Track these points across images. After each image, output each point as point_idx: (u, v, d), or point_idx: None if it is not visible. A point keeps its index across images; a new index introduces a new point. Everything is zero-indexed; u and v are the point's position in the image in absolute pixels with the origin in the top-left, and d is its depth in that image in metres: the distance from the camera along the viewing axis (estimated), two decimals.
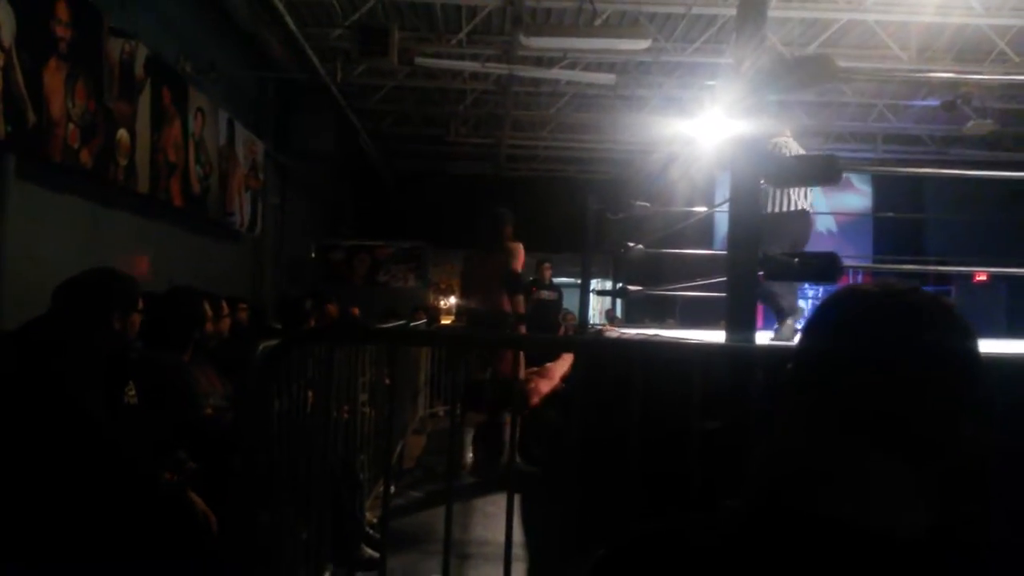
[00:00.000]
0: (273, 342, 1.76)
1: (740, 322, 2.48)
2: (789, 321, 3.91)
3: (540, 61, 8.50)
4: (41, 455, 2.14)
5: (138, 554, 2.10)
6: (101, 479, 2.16)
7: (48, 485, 2.10)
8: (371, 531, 3.39)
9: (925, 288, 0.78)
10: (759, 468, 0.74)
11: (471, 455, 4.99)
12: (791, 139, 4.24)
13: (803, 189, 4.17)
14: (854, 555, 0.65)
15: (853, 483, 0.69)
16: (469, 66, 8.29)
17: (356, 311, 7.68)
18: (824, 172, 3.12)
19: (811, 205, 4.28)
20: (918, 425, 0.70)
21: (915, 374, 0.71)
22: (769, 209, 4.05)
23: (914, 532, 0.67)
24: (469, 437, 5.05)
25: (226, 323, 3.91)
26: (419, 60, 7.88)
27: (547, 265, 8.88)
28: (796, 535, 0.67)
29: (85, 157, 4.60)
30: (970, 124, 8.23)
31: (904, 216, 10.97)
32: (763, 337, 3.16)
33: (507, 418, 4.80)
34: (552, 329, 8.24)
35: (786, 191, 4.12)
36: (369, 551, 3.18)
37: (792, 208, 4.13)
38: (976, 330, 0.76)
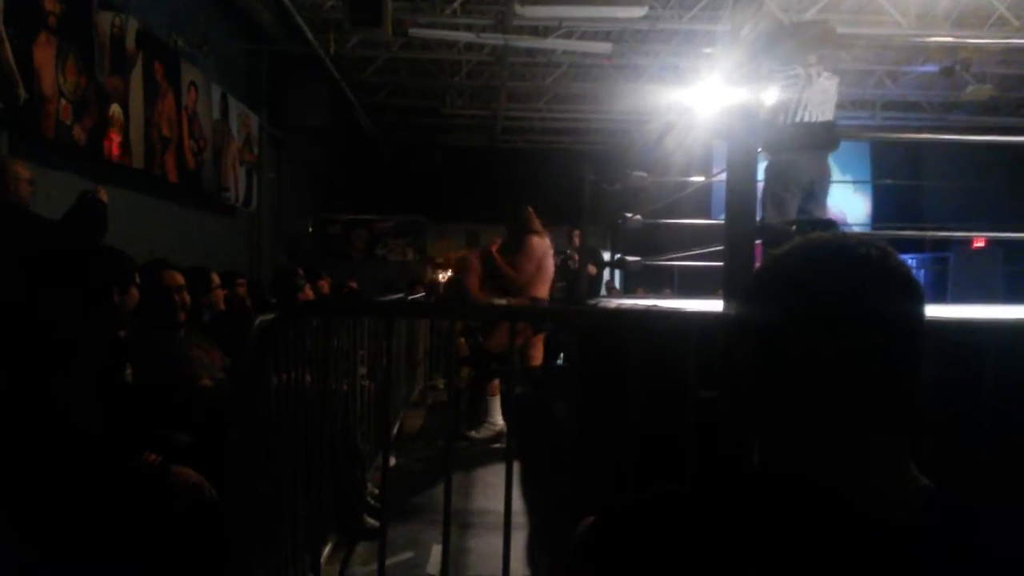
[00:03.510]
0: (270, 316, 1.76)
1: (737, 290, 2.48)
2: None
3: (535, 31, 8.41)
4: (19, 445, 2.15)
5: (116, 540, 2.11)
6: (74, 468, 2.17)
7: (23, 475, 2.11)
8: (372, 501, 3.42)
9: (921, 256, 0.75)
10: (746, 438, 0.74)
11: (501, 421, 5.05)
12: (817, 67, 4.05)
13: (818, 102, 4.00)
14: (842, 527, 0.65)
15: (829, 455, 0.69)
16: (464, 36, 8.20)
17: (354, 285, 7.67)
18: (822, 139, 3.11)
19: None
20: (880, 392, 0.70)
21: (872, 343, 0.69)
22: (782, 120, 3.95)
23: (896, 504, 0.67)
24: (496, 405, 5.10)
25: (219, 295, 3.91)
26: (413, 31, 7.79)
27: (577, 232, 8.64)
28: (782, 504, 0.68)
29: (78, 133, 4.57)
30: (969, 89, 8.17)
31: (902, 183, 10.93)
32: None
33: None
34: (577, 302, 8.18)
35: (803, 105, 3.96)
36: (370, 521, 3.21)
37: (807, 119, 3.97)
38: (922, 291, 0.74)
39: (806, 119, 3.99)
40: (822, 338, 0.70)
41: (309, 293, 5.05)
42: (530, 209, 5.18)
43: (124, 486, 2.25)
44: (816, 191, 4.13)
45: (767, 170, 4.17)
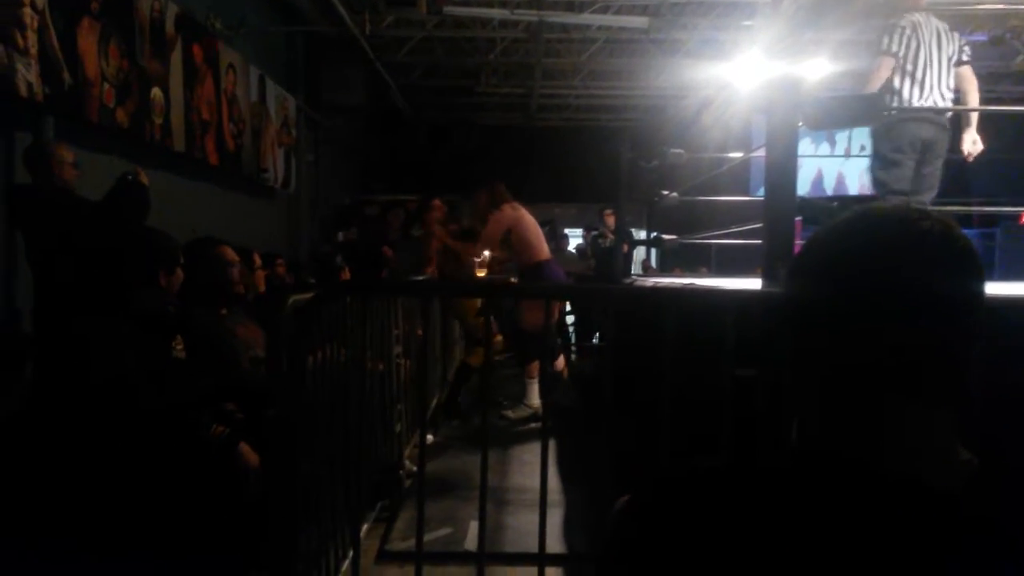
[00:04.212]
0: (304, 296, 1.79)
1: (776, 269, 2.45)
2: None
3: (571, 6, 8.31)
4: (87, 420, 2.22)
5: (185, 508, 2.17)
6: (144, 440, 2.24)
7: (93, 447, 2.18)
8: (409, 479, 3.47)
9: (968, 231, 0.74)
10: (784, 414, 0.74)
11: (538, 402, 5.07)
12: (923, 15, 3.82)
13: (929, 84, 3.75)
14: (880, 499, 0.65)
15: (871, 429, 0.68)
16: (498, 13, 8.14)
17: (389, 252, 7.69)
18: (868, 112, 3.03)
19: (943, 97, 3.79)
20: (930, 370, 0.68)
21: (926, 319, 0.67)
22: (895, 103, 3.74)
23: (940, 478, 0.66)
24: (534, 387, 5.09)
25: (260, 275, 3.97)
26: (447, 9, 7.75)
27: (608, 212, 8.42)
28: (820, 479, 0.67)
29: (121, 116, 4.65)
30: (1020, 59, 7.90)
31: (949, 157, 10.62)
32: None
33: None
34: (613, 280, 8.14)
35: (911, 81, 3.71)
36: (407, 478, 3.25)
37: (905, 106, 3.72)
38: (983, 267, 0.72)
39: (931, 71, 3.73)
40: (874, 313, 0.68)
41: (347, 274, 5.09)
42: (488, 188, 5.22)
43: (194, 457, 2.31)
44: (932, 155, 3.85)
45: (874, 131, 3.94)
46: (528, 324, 4.86)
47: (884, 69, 3.74)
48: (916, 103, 3.74)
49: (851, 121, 3.55)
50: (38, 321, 3.46)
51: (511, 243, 5.12)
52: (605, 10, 8.29)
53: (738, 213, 5.29)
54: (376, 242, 6.88)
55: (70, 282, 3.12)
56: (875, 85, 3.76)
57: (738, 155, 7.19)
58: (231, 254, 3.12)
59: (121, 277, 2.79)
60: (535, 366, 5.03)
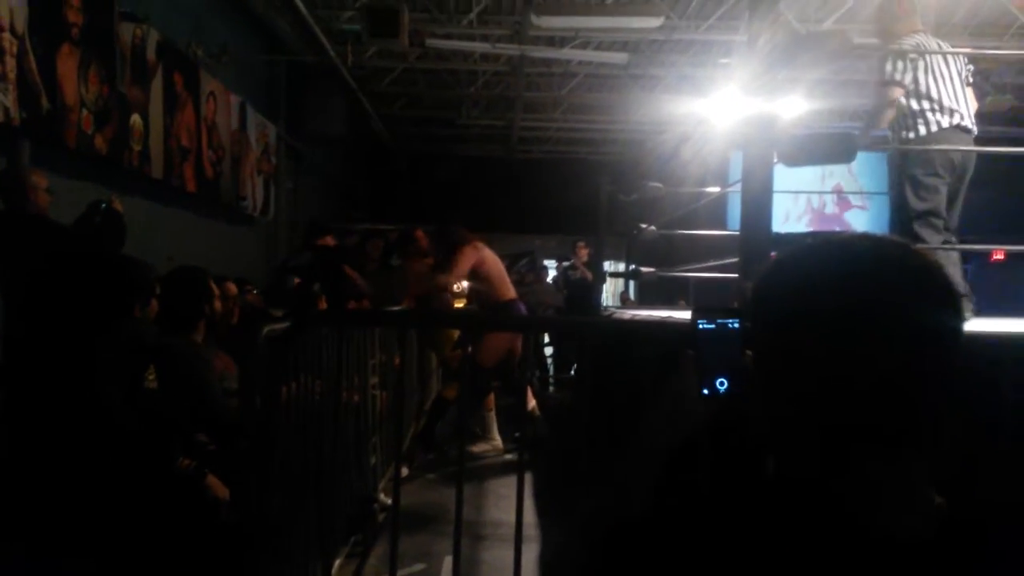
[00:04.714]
0: (278, 326, 1.77)
1: (740, 292, 2.47)
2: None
3: (551, 41, 8.43)
4: (59, 445, 2.17)
5: (153, 541, 2.13)
6: (116, 468, 2.19)
7: (64, 474, 2.13)
8: (383, 513, 3.42)
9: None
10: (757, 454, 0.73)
11: (497, 435, 5.13)
12: (922, 35, 3.60)
13: (943, 100, 3.50)
14: (846, 542, 0.64)
15: (836, 471, 0.66)
16: (480, 47, 8.23)
17: (351, 271, 7.63)
18: (841, 150, 3.08)
19: (966, 121, 3.54)
20: (897, 407, 0.64)
21: (892, 349, 0.63)
22: (904, 135, 3.54)
23: (913, 531, 0.64)
24: (492, 420, 5.13)
25: (235, 305, 3.94)
26: (430, 42, 7.83)
27: (581, 244, 8.61)
28: (791, 515, 0.67)
29: (99, 143, 4.62)
30: (988, 100, 8.10)
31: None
32: None
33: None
34: (587, 312, 8.00)
35: (930, 103, 3.47)
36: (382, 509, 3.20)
37: (933, 129, 3.47)
38: (959, 296, 0.67)
39: (948, 89, 3.53)
40: (839, 338, 0.64)
41: (323, 305, 5.04)
42: (453, 227, 5.29)
43: (162, 489, 2.27)
44: (966, 177, 3.61)
45: (900, 153, 3.63)
46: (483, 359, 4.86)
47: (891, 98, 3.53)
48: (945, 125, 3.52)
49: (825, 158, 3.58)
50: (8, 348, 3.39)
51: (475, 282, 5.18)
52: (585, 46, 8.42)
53: (716, 246, 5.34)
54: (333, 261, 6.81)
55: (42, 310, 3.07)
56: (888, 116, 3.57)
57: (715, 190, 7.28)
58: (213, 286, 3.10)
59: (94, 306, 2.74)
60: (491, 399, 5.13)
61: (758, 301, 0.73)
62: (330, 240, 6.14)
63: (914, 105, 3.51)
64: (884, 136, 3.80)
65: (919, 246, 0.72)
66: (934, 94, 3.51)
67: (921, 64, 3.53)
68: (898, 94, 3.52)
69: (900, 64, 3.51)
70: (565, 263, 8.99)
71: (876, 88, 3.63)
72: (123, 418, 2.33)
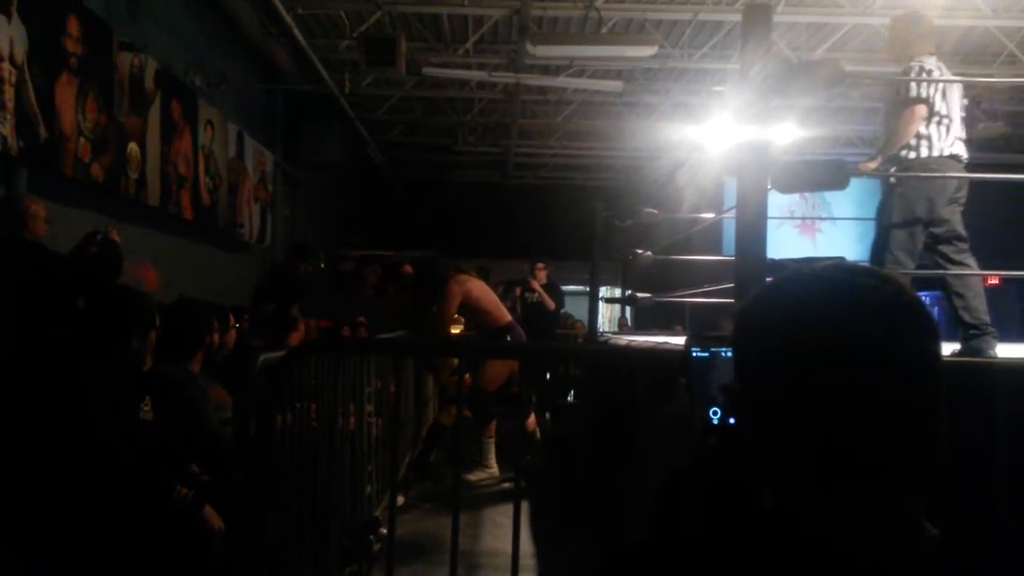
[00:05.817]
0: (274, 355, 1.77)
1: (724, 322, 2.47)
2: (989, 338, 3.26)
3: (547, 69, 8.52)
4: (56, 474, 2.16)
5: (148, 570, 2.11)
6: (111, 498, 2.18)
7: (62, 504, 2.12)
8: (378, 543, 3.38)
9: (934, 293, 0.71)
10: (750, 484, 0.73)
11: (495, 463, 5.09)
12: (930, 58, 3.56)
13: (944, 123, 3.46)
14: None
15: (825, 502, 0.65)
16: (476, 75, 8.31)
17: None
18: (833, 177, 3.10)
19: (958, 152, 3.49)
20: (885, 438, 0.64)
21: (876, 386, 0.63)
22: (904, 155, 3.48)
23: (907, 560, 0.64)
24: (491, 447, 5.08)
25: (232, 335, 3.92)
26: (426, 70, 7.91)
27: (540, 266, 8.01)
28: (784, 550, 0.67)
29: (96, 171, 4.63)
30: (980, 127, 8.16)
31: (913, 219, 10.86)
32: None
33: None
34: (544, 335, 7.41)
35: (938, 128, 3.42)
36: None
37: (935, 154, 3.43)
38: (939, 330, 0.67)
39: (954, 114, 3.50)
40: (815, 380, 0.64)
41: (301, 331, 4.97)
42: (437, 261, 5.41)
43: (158, 519, 2.25)
44: (960, 203, 3.57)
45: (888, 184, 3.61)
46: (486, 383, 4.83)
47: (919, 115, 3.46)
48: (946, 153, 3.50)
49: (818, 185, 3.60)
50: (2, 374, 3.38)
51: (466, 314, 5.16)
52: (580, 73, 8.51)
53: (712, 271, 5.35)
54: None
55: (38, 338, 3.06)
56: (911, 132, 3.49)
57: (710, 215, 7.31)
58: (214, 321, 3.10)
59: (88, 334, 2.74)
60: (492, 426, 5.07)
61: (744, 331, 0.73)
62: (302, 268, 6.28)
63: (922, 129, 3.48)
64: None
65: (900, 271, 0.72)
66: (944, 119, 3.48)
67: (940, 85, 3.52)
68: (924, 112, 3.47)
69: (925, 83, 3.49)
70: (522, 285, 8.02)
71: (899, 106, 3.56)
72: (116, 446, 2.32)
